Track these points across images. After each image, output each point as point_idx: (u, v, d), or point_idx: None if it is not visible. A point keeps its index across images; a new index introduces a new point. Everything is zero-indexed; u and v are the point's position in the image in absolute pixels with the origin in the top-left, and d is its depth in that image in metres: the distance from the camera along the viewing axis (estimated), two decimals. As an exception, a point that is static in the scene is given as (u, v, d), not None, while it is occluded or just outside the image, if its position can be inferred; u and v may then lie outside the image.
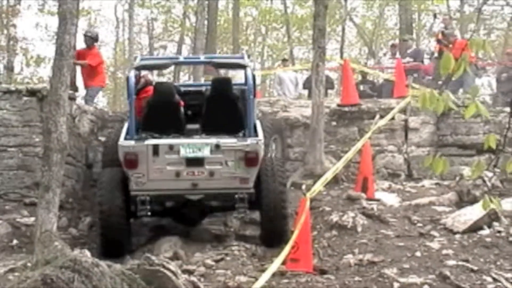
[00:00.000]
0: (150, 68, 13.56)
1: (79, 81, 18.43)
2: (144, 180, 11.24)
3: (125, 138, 11.50)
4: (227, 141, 11.37)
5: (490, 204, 5.69)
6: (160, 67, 14.84)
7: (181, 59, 13.77)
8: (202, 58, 14.05)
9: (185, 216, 12.38)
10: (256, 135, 11.62)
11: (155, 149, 11.22)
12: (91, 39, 17.59)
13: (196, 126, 12.32)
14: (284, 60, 25.35)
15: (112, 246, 11.18)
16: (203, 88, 13.50)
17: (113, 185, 11.35)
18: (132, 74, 12.06)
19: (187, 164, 11.27)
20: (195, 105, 12.76)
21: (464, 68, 5.23)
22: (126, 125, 11.96)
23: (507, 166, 5.66)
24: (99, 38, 18.94)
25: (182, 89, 13.31)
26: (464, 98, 15.36)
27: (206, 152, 11.27)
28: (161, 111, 11.86)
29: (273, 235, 11.41)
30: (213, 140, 11.37)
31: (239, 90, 12.68)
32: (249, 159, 11.29)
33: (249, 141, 11.40)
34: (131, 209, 11.42)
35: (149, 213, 11.33)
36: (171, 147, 11.27)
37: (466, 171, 12.97)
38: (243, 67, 12.54)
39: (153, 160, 11.22)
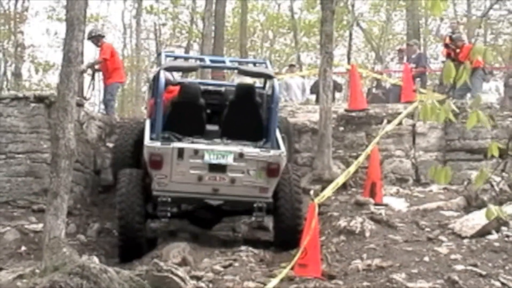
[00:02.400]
0: (178, 70, 13.66)
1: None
2: (167, 181, 11.43)
3: (151, 139, 11.66)
4: (250, 150, 11.62)
5: (494, 213, 5.67)
6: (188, 70, 15.20)
7: (208, 62, 13.70)
8: (227, 62, 14.01)
9: (201, 218, 12.56)
10: (279, 147, 11.83)
11: (180, 152, 11.40)
12: (96, 38, 17.52)
13: (215, 127, 12.56)
14: (291, 66, 25.36)
15: (131, 247, 11.35)
16: (223, 88, 13.77)
17: (133, 185, 11.56)
18: (162, 74, 12.09)
19: (210, 169, 11.48)
20: (214, 104, 13.04)
21: (465, 76, 5.23)
22: (148, 125, 12.16)
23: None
24: (104, 33, 18.75)
25: (202, 87, 13.41)
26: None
27: (229, 160, 11.48)
28: (186, 112, 12.10)
29: (286, 241, 11.55)
30: (237, 148, 11.60)
31: (260, 96, 12.84)
32: (271, 170, 11.53)
33: (272, 152, 11.63)
34: (148, 211, 11.62)
35: (169, 215, 11.46)
36: (196, 151, 11.46)
37: (474, 176, 12.94)
38: (269, 77, 12.81)
39: (177, 163, 11.41)
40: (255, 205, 11.48)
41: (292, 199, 11.70)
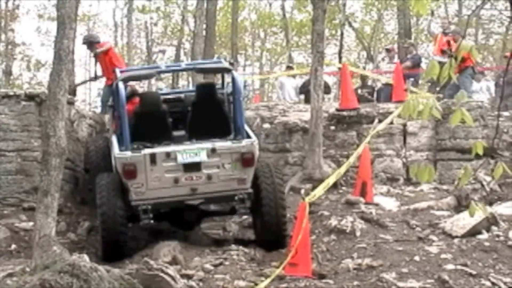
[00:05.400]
0: (135, 79, 13.63)
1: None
2: (143, 189, 11.28)
3: (120, 150, 11.50)
4: (222, 144, 11.50)
5: (476, 211, 5.68)
6: (144, 78, 15.04)
7: (163, 67, 13.82)
8: (183, 65, 14.22)
9: (182, 220, 12.47)
10: (249, 137, 11.72)
11: (152, 157, 11.26)
12: (91, 43, 17.37)
13: (181, 132, 12.48)
14: (289, 68, 25.28)
15: (113, 249, 11.24)
16: (182, 95, 13.82)
17: (112, 188, 11.39)
18: (121, 85, 11.90)
19: (185, 169, 11.34)
20: (176, 112, 12.95)
21: (449, 74, 5.23)
22: (114, 140, 11.94)
23: (495, 171, 5.67)
24: (99, 38, 18.57)
25: (162, 97, 13.25)
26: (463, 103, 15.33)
27: (203, 157, 11.34)
28: (149, 120, 11.97)
29: (271, 238, 11.49)
30: (208, 144, 11.48)
31: (226, 93, 12.97)
32: (246, 159, 11.40)
33: (244, 142, 11.50)
34: (130, 213, 11.40)
35: (152, 221, 11.31)
36: (168, 154, 11.33)
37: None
38: (227, 70, 12.74)
39: (151, 169, 11.26)
40: (236, 197, 11.37)
41: (275, 191, 11.56)
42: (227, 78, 13.35)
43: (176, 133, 12.41)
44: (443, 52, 18.89)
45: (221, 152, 11.39)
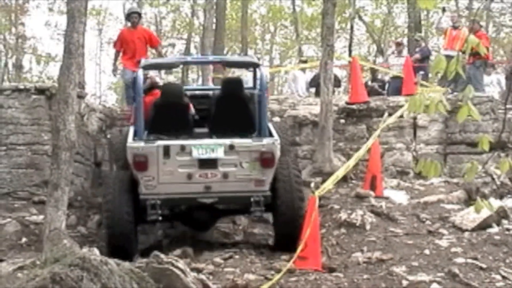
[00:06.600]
0: (157, 67, 13.16)
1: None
2: (155, 183, 10.75)
3: (133, 139, 11.03)
4: (241, 141, 10.93)
5: (482, 206, 5.67)
6: (167, 67, 14.26)
7: (189, 59, 13.35)
8: (211, 58, 13.61)
9: (196, 220, 11.74)
10: (271, 135, 11.22)
11: (166, 150, 10.73)
12: (139, 15, 16.66)
13: (204, 130, 11.81)
14: (302, 62, 25.23)
15: (118, 251, 10.38)
16: (211, 92, 12.98)
17: (120, 189, 10.90)
18: (140, 73, 11.57)
19: (200, 166, 10.79)
20: (203, 109, 12.25)
21: (456, 68, 5.21)
22: (131, 131, 11.45)
23: (501, 166, 5.64)
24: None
25: (188, 93, 12.75)
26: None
27: (219, 153, 10.79)
28: (169, 113, 11.37)
29: (288, 239, 10.82)
30: (226, 140, 10.91)
31: (249, 91, 12.16)
32: (265, 159, 10.82)
33: (265, 141, 10.95)
34: (139, 214, 10.89)
35: (159, 218, 10.78)
36: (182, 147, 10.79)
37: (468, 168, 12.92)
38: (254, 65, 12.16)
39: (164, 162, 10.72)
40: (252, 199, 10.77)
41: (293, 193, 10.97)
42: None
43: (198, 130, 11.77)
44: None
45: (239, 150, 10.82)
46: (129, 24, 16.65)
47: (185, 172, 10.79)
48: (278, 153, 10.98)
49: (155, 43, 16.27)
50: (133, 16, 16.14)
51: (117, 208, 10.72)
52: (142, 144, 10.83)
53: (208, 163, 10.80)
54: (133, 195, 10.89)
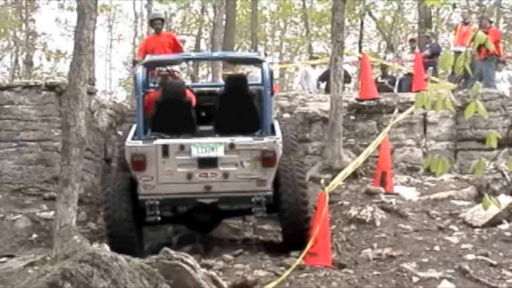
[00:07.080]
0: (160, 64, 13.03)
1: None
2: (153, 183, 10.53)
3: (133, 138, 10.81)
4: (242, 140, 10.66)
5: (490, 203, 5.64)
6: (169, 63, 14.17)
7: (192, 55, 13.19)
8: (214, 54, 13.46)
9: (198, 222, 11.60)
10: (274, 134, 11.02)
11: (165, 149, 10.53)
12: (162, 21, 16.25)
13: (209, 127, 11.58)
14: (313, 58, 25.21)
15: (122, 252, 10.48)
16: (217, 89, 12.68)
17: (120, 193, 10.69)
18: (140, 70, 11.43)
19: (200, 165, 10.55)
20: (209, 106, 12.12)
21: (464, 64, 5.18)
22: (133, 128, 11.28)
23: (508, 164, 5.61)
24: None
25: (195, 89, 12.63)
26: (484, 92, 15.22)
27: (219, 152, 10.56)
28: (170, 111, 11.17)
29: (294, 242, 10.62)
30: (227, 139, 10.66)
31: (256, 88, 11.97)
32: (266, 159, 10.55)
33: (266, 139, 10.67)
34: (139, 216, 10.67)
35: (159, 219, 10.57)
36: (182, 147, 10.58)
37: (486, 165, 12.89)
38: (259, 61, 11.79)
39: (163, 162, 10.52)
40: (253, 199, 10.51)
41: (296, 193, 10.69)
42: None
43: (203, 128, 11.55)
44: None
45: (240, 149, 10.56)
46: (152, 30, 16.57)
47: (184, 171, 10.59)
48: (280, 152, 10.77)
49: (178, 48, 16.24)
50: (156, 23, 15.98)
51: (117, 208, 10.57)
52: (140, 143, 10.64)
53: (208, 163, 10.59)
54: (134, 199, 10.71)
